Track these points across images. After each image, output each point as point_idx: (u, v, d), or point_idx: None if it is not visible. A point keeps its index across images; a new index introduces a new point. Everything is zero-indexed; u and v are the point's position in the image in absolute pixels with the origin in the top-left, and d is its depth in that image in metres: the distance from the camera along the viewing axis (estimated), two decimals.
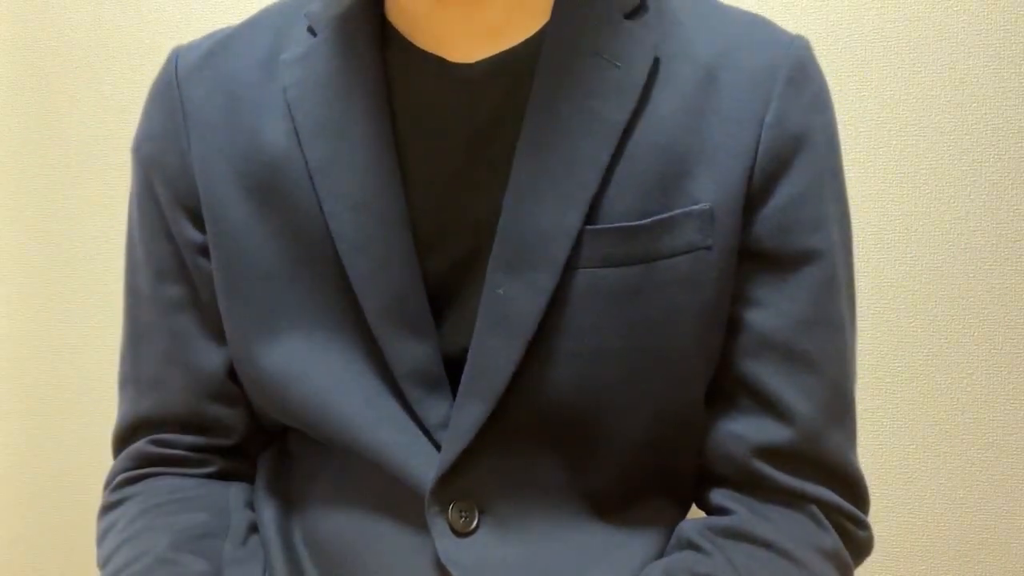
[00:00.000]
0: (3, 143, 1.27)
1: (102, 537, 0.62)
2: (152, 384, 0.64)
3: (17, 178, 1.26)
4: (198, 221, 0.62)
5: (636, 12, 0.59)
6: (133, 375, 0.65)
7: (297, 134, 0.58)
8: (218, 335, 0.63)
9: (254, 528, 0.63)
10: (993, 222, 1.05)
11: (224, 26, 0.67)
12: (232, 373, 0.64)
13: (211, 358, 0.63)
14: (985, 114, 1.04)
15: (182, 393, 0.64)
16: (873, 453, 1.09)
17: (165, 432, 0.64)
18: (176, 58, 0.64)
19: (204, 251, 0.62)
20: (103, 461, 1.38)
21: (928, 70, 1.05)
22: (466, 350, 0.57)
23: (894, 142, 1.06)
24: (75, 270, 1.24)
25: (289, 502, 0.63)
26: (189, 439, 0.64)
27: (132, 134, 0.65)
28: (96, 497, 0.68)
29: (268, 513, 0.63)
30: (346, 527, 0.60)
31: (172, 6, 1.21)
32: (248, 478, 0.67)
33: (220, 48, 0.64)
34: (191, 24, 1.20)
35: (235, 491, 0.64)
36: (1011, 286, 1.06)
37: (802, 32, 0.62)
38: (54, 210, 1.24)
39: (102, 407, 0.66)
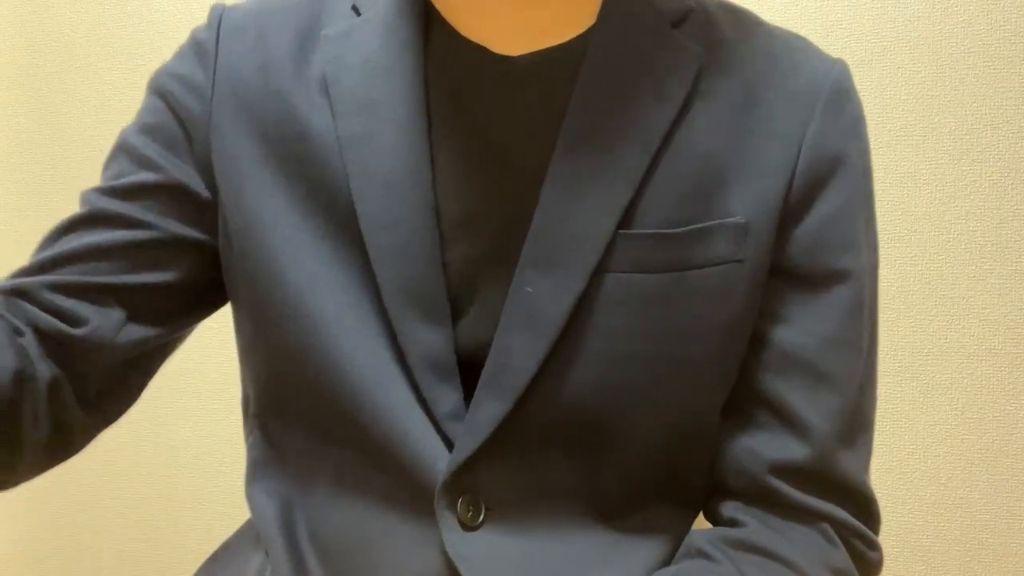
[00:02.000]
0: (3, 143, 1.27)
1: None
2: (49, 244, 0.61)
3: (17, 178, 1.26)
4: (197, 169, 0.61)
5: (682, 22, 0.59)
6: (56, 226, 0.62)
7: (331, 109, 0.59)
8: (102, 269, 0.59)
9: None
10: (993, 222, 1.05)
11: None
12: (56, 290, 0.58)
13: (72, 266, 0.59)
14: (985, 114, 1.04)
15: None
16: (873, 453, 1.09)
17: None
18: (220, 14, 0.64)
19: (179, 192, 0.61)
20: (104, 461, 1.38)
21: (928, 70, 1.05)
22: (484, 345, 0.57)
23: (894, 142, 1.06)
24: None
25: (290, 501, 0.63)
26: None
27: None
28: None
29: (270, 513, 0.63)
30: (350, 521, 0.59)
31: (172, 6, 1.21)
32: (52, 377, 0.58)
33: (264, 14, 0.64)
34: (191, 24, 1.20)
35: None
36: (1011, 286, 1.06)
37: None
38: (54, 210, 1.24)
39: None
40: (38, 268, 0.59)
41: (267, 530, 0.62)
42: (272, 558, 0.61)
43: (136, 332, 0.61)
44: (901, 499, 1.10)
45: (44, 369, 0.57)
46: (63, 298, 0.58)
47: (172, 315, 0.63)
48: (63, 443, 0.60)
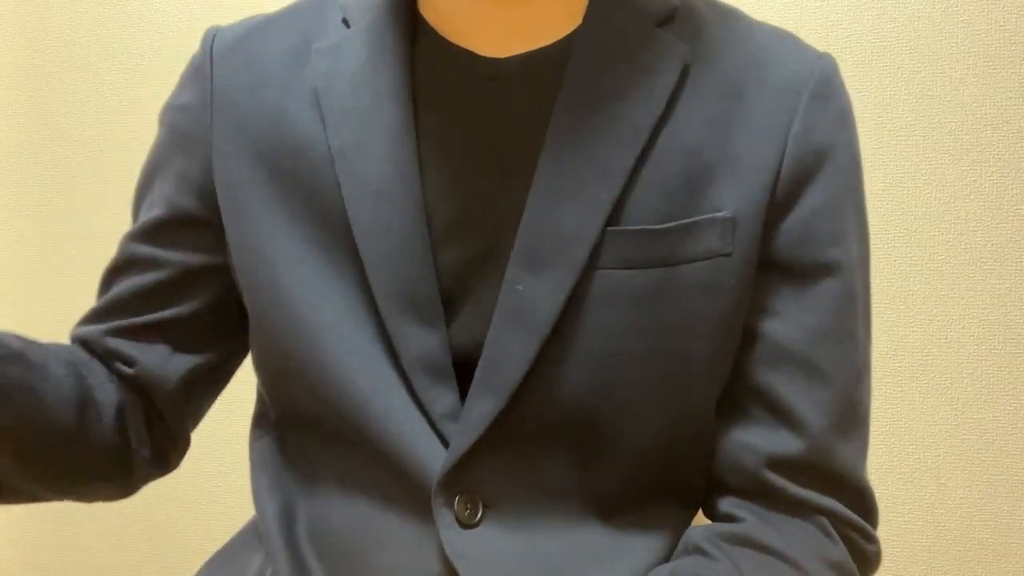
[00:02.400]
0: (3, 143, 1.27)
1: None
2: (101, 291, 0.68)
3: (17, 178, 1.26)
4: (201, 194, 0.63)
5: (667, 21, 0.60)
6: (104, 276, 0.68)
7: (323, 120, 0.59)
8: (147, 303, 0.65)
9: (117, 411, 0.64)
10: (993, 222, 1.05)
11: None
12: (119, 333, 0.65)
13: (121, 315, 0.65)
14: (985, 114, 1.04)
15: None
16: (873, 453, 1.08)
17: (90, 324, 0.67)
18: (213, 37, 0.66)
19: (188, 222, 0.64)
20: None
21: (928, 70, 1.05)
22: (478, 345, 0.57)
23: (894, 142, 1.06)
24: (75, 270, 1.24)
25: (291, 500, 0.64)
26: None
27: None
28: None
29: (270, 511, 0.63)
30: (350, 520, 0.60)
31: (172, 6, 1.21)
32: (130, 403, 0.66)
33: (256, 32, 0.65)
34: (191, 24, 1.20)
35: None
36: (1011, 286, 1.06)
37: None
38: (54, 210, 1.24)
39: None
40: (94, 318, 0.66)
41: (267, 528, 0.63)
42: (271, 557, 0.61)
43: (184, 361, 0.66)
44: (901, 499, 1.10)
45: (137, 401, 0.65)
46: (117, 341, 0.64)
47: (214, 339, 0.67)
48: (162, 460, 0.68)
